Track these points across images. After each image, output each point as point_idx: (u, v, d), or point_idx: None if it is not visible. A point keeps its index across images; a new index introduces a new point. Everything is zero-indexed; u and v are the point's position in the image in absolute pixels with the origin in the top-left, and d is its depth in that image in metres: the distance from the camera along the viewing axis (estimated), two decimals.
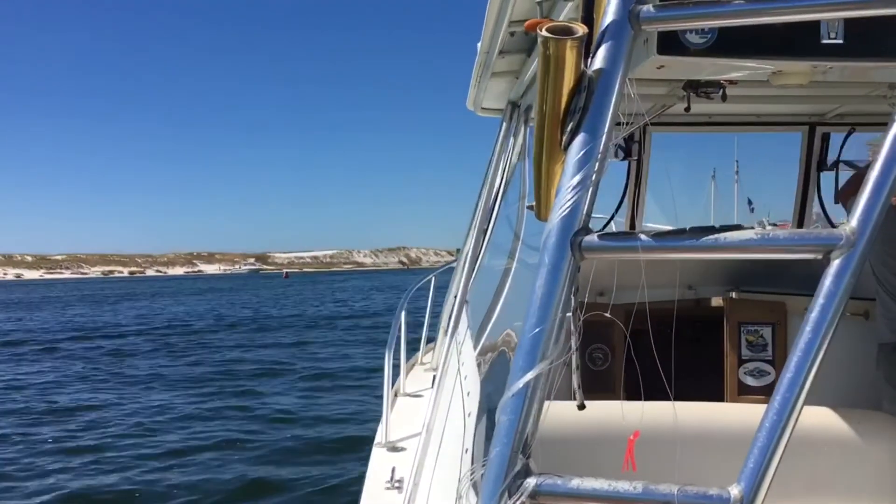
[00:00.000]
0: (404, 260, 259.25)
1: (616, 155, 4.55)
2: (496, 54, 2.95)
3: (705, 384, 3.91)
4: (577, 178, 1.24)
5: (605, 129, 1.27)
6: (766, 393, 3.83)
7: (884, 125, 3.72)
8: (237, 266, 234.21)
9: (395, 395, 4.54)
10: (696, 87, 2.82)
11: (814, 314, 1.08)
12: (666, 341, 4.71)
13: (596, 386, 3.70)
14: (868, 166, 3.96)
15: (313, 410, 13.12)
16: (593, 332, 3.76)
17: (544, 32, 1.29)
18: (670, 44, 2.01)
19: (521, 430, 1.14)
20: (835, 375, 3.71)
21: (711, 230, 1.18)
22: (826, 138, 4.41)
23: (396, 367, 4.59)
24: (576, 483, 1.05)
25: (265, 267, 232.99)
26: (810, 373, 1.06)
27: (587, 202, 1.23)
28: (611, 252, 1.22)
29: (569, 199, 1.23)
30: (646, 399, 4.21)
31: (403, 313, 4.39)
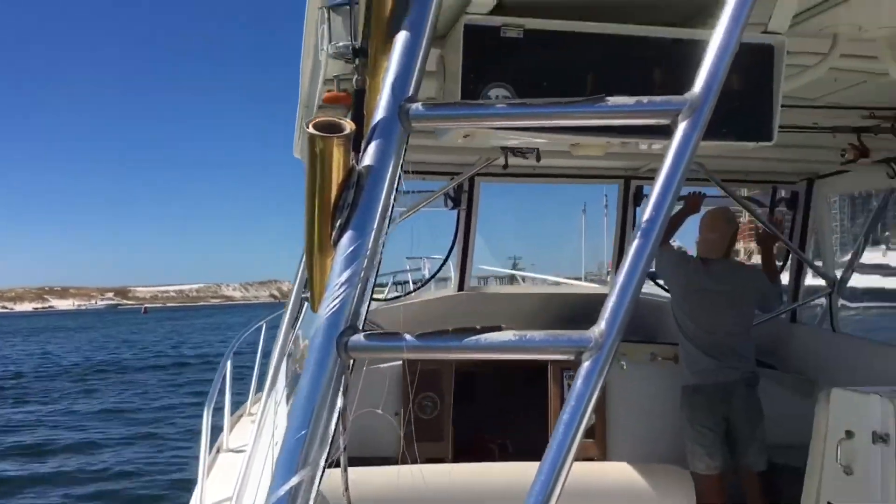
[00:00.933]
0: (276, 293, 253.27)
1: (446, 205, 4.71)
2: (315, 108, 2.95)
3: (533, 428, 4.03)
4: (345, 276, 1.24)
5: (375, 226, 1.27)
6: (586, 437, 3.99)
7: (695, 180, 3.97)
8: (93, 301, 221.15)
9: (218, 452, 4.38)
10: (512, 148, 2.94)
11: (566, 415, 1.10)
12: (496, 387, 4.83)
13: (426, 435, 3.73)
14: (680, 212, 4.19)
15: (123, 478, 11.76)
16: (422, 380, 3.80)
17: (311, 129, 1.29)
18: None
19: None
20: (647, 419, 3.93)
21: (473, 331, 1.20)
22: (640, 190, 4.73)
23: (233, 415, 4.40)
24: None
25: (125, 302, 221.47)
26: (566, 462, 1.09)
27: (355, 300, 1.22)
28: (377, 352, 1.22)
29: (336, 298, 1.22)
30: (474, 446, 4.31)
31: (229, 363, 4.26)
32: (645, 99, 1.22)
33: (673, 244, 4.41)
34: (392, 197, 1.32)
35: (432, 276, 5.77)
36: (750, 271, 4.28)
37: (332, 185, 1.29)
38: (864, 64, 2.72)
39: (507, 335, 1.17)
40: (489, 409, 4.19)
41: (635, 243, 1.17)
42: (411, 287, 5.97)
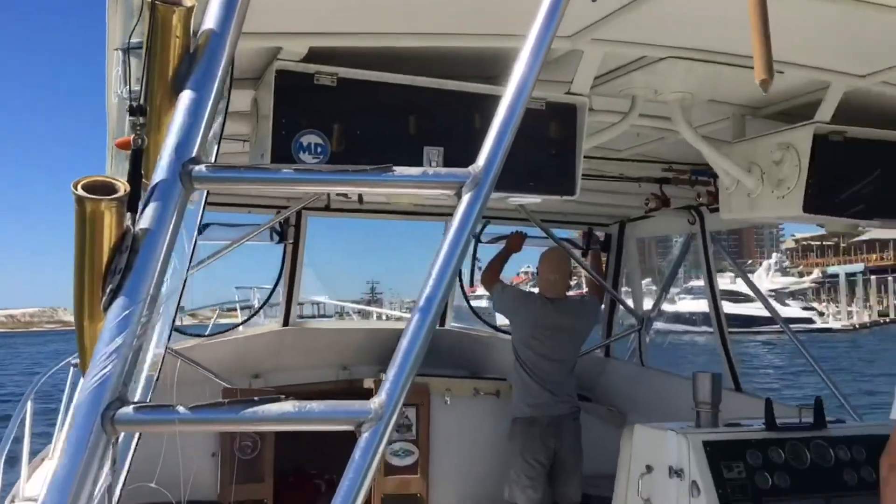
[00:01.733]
0: None
1: (272, 238, 4.66)
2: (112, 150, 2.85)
3: None
4: (113, 345, 1.18)
5: (150, 292, 1.22)
6: (411, 472, 4.09)
7: (516, 219, 4.10)
8: None
9: (13, 501, 4.05)
10: None
11: (343, 487, 1.10)
12: None
13: (246, 476, 3.66)
14: (503, 251, 4.32)
15: None
16: None
17: (79, 191, 1.22)
18: (285, 163, 2.07)
19: None
20: (469, 453, 4.06)
21: (252, 402, 1.18)
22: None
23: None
24: None
25: None
26: None
27: (124, 371, 1.17)
28: (146, 426, 1.18)
29: (103, 369, 1.17)
30: (299, 483, 4.22)
31: (30, 402, 3.96)
32: (431, 170, 1.26)
33: (528, 270, 4.63)
34: (171, 261, 1.27)
35: (258, 311, 5.65)
36: (586, 306, 4.50)
37: (103, 248, 1.24)
38: (661, 123, 2.96)
39: (285, 406, 1.16)
40: (315, 441, 4.16)
41: (414, 320, 1.18)
42: (239, 319, 5.80)
